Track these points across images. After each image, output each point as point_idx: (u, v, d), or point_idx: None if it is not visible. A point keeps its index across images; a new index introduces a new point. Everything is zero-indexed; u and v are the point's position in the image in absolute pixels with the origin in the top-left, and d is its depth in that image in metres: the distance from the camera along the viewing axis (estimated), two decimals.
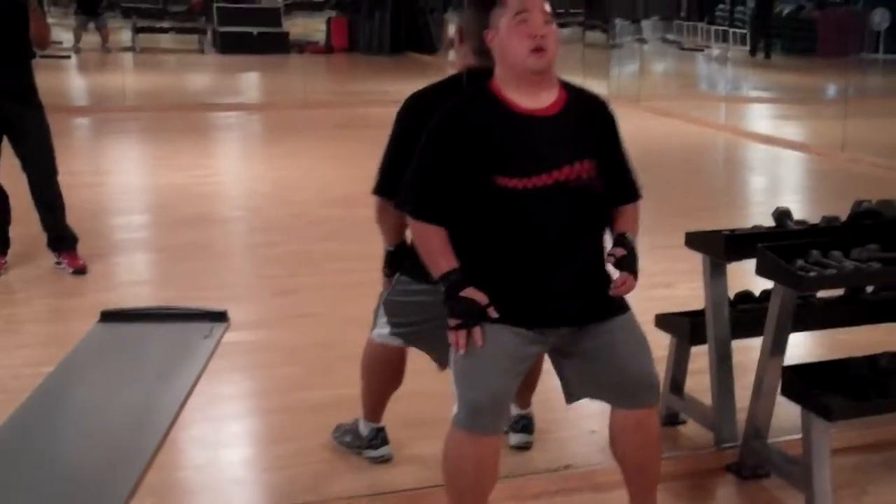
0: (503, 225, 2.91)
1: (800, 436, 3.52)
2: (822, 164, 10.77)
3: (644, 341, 3.05)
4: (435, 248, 2.97)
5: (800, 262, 3.46)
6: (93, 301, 5.49)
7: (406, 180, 3.02)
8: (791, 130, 12.99)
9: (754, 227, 3.96)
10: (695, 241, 3.84)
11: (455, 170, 2.90)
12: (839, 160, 10.75)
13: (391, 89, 14.53)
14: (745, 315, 3.95)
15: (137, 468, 3.68)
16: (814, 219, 4.04)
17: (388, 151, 3.37)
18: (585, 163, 2.92)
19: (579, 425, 4.02)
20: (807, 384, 3.44)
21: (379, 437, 3.76)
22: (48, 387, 4.43)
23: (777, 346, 3.54)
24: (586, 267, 3.00)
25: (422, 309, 3.42)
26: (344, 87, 17.44)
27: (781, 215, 3.92)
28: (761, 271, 3.50)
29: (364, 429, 3.77)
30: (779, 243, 3.55)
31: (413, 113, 3.28)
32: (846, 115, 11.74)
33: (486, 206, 2.90)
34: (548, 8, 2.96)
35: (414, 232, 3.05)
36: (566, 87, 3.03)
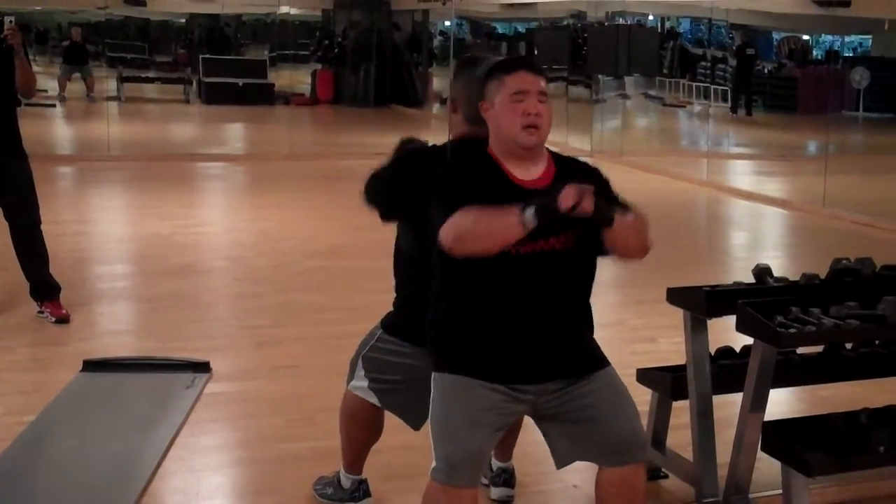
0: (489, 285, 2.96)
1: (780, 491, 3.55)
2: (804, 220, 10.86)
3: (628, 398, 3.09)
4: (483, 218, 2.83)
5: (779, 319, 3.50)
6: (75, 350, 5.49)
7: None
8: (773, 187, 13.10)
9: (735, 284, 3.99)
10: (676, 296, 3.87)
11: None
12: (820, 217, 10.84)
13: (376, 142, 14.55)
14: (726, 370, 3.98)
15: None
16: (794, 276, 4.07)
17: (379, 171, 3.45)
18: (571, 233, 2.96)
19: (561, 479, 4.01)
20: (787, 440, 3.46)
21: (361, 490, 3.76)
22: (29, 436, 4.42)
23: (757, 402, 3.57)
24: (567, 329, 3.05)
25: (401, 369, 3.47)
26: (329, 138, 17.53)
27: (761, 272, 3.96)
28: (742, 328, 3.53)
29: (346, 481, 3.77)
30: (759, 300, 3.58)
31: (408, 161, 3.40)
32: (827, 172, 11.86)
33: (475, 266, 2.92)
34: (544, 88, 3.03)
35: (459, 238, 2.87)
36: (555, 158, 3.09)
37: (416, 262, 3.32)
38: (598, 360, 3.10)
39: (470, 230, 2.86)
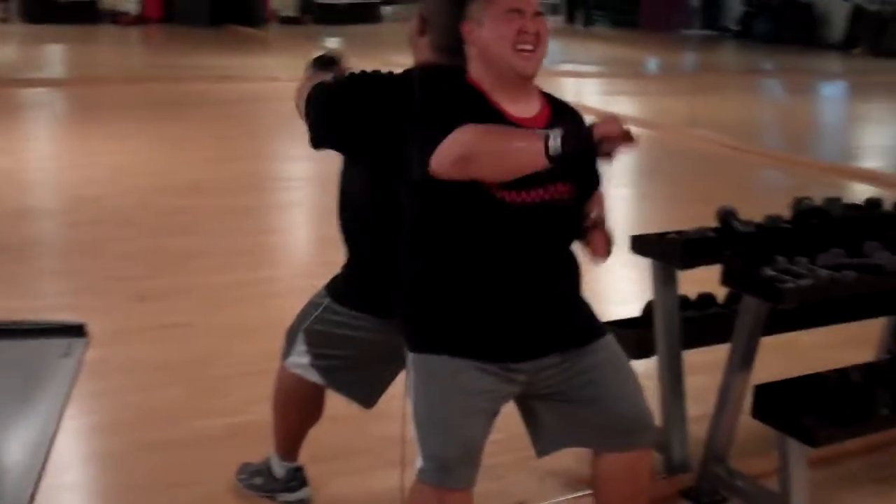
0: (477, 240, 2.48)
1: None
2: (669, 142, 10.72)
3: (632, 374, 2.68)
4: (498, 134, 2.34)
5: (768, 271, 3.14)
6: None
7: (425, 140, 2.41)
8: (621, 107, 12.87)
9: (699, 230, 3.60)
10: (643, 245, 3.48)
11: None
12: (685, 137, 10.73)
13: (215, 64, 13.79)
14: (690, 323, 3.62)
15: None
16: None
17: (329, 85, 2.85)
18: (567, 183, 2.54)
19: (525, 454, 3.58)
20: (781, 404, 3.12)
21: (297, 479, 3.28)
22: None
23: (745, 362, 3.24)
24: (565, 293, 2.62)
25: (352, 344, 2.96)
26: (164, 60, 16.41)
27: (727, 215, 3.60)
28: (730, 281, 3.17)
29: (279, 469, 3.28)
30: (742, 248, 3.23)
31: (367, 83, 2.77)
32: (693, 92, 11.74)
33: (459, 213, 2.46)
34: (538, 7, 2.53)
35: (465, 156, 2.30)
36: (546, 96, 2.62)
37: (368, 215, 2.82)
38: (596, 328, 2.67)
39: (482, 146, 2.29)
